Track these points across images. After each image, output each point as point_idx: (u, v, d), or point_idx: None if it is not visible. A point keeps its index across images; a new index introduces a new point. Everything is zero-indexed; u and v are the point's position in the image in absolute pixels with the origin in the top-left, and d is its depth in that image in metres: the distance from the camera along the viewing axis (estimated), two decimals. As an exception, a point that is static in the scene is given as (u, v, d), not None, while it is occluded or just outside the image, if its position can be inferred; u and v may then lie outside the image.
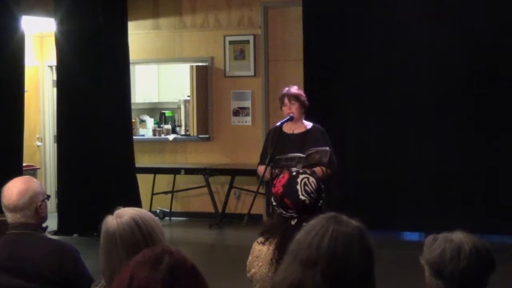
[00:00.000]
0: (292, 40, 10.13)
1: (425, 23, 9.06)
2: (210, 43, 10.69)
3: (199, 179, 10.47)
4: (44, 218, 3.88)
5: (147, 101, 11.78)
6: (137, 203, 9.48)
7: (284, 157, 6.40)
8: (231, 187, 10.38)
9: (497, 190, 8.83)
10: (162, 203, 10.75)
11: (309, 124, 6.98)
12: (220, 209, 10.42)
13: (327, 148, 6.60)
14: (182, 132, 11.11)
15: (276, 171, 6.27)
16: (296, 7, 9.85)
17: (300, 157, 6.38)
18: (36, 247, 3.75)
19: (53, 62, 10.44)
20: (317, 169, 6.35)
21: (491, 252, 2.58)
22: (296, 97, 6.91)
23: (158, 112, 11.64)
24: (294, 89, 6.99)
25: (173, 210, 10.74)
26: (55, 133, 10.86)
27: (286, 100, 6.91)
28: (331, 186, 6.34)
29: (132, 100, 10.60)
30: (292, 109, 6.88)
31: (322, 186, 3.73)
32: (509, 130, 8.79)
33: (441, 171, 9.04)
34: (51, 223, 8.46)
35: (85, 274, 3.76)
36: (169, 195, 10.72)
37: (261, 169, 6.71)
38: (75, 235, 9.50)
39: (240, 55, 10.55)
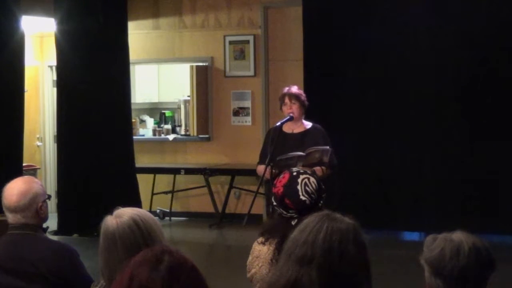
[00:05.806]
0: (292, 40, 10.13)
1: (425, 23, 9.05)
2: (210, 43, 10.69)
3: (199, 179, 10.47)
4: (45, 219, 3.88)
5: (147, 101, 11.77)
6: (137, 203, 9.48)
7: (284, 157, 6.39)
8: (231, 187, 10.37)
9: (497, 190, 8.82)
10: (162, 203, 10.75)
11: (308, 124, 6.98)
12: (220, 209, 10.41)
13: (328, 147, 6.59)
14: (182, 132, 11.10)
15: (276, 171, 6.26)
16: (296, 7, 9.85)
17: (299, 156, 6.38)
18: (36, 248, 3.75)
19: (53, 62, 10.43)
20: (317, 169, 6.34)
21: (491, 251, 2.58)
22: (296, 96, 6.90)
23: (158, 112, 11.63)
24: (295, 89, 6.99)
25: (173, 210, 10.73)
26: (55, 133, 10.85)
27: (286, 100, 6.91)
28: (333, 186, 6.33)
29: (132, 100, 10.59)
30: (292, 108, 6.87)
31: (323, 186, 3.73)
32: (510, 131, 8.78)
33: (441, 170, 9.03)
34: (51, 223, 8.50)
35: (84, 275, 3.76)
36: (169, 195, 10.71)
37: (260, 168, 6.70)
38: (75, 235, 9.50)
39: (240, 55, 10.54)
